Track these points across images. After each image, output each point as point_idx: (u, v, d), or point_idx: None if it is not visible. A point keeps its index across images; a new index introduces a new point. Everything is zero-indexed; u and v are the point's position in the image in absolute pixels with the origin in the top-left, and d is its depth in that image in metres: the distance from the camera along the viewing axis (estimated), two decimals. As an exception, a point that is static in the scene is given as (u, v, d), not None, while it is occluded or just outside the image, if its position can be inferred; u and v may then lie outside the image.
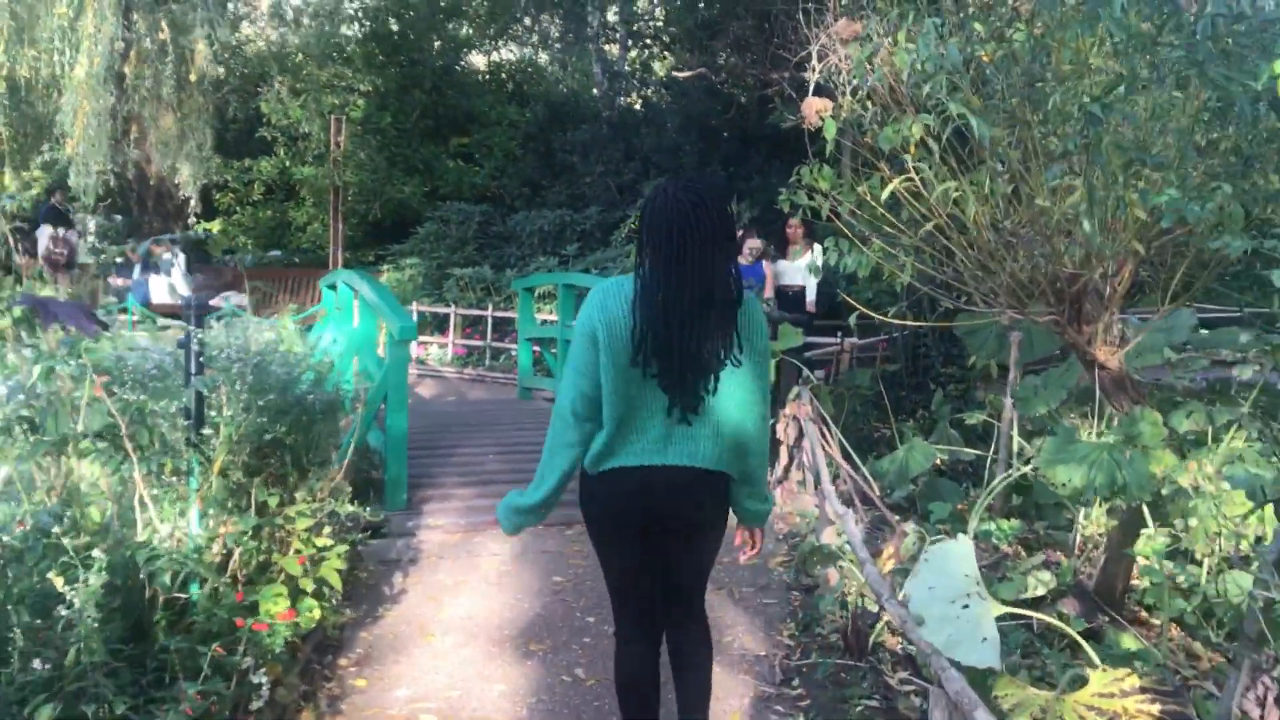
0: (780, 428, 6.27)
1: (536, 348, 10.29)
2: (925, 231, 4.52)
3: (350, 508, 4.03)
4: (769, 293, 9.03)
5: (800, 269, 8.79)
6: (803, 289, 8.86)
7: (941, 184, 4.07)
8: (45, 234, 14.14)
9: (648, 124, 16.33)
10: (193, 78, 12.10)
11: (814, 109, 6.56)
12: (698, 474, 2.67)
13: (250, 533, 3.43)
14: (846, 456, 6.34)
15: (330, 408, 4.35)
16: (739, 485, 2.77)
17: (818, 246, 8.60)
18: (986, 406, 8.51)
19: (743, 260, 8.83)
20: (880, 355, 9.96)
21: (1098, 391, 4.81)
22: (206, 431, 3.47)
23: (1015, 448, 6.19)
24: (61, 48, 10.47)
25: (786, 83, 10.03)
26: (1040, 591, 4.76)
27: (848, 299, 6.59)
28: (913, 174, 4.46)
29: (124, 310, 11.78)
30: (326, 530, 3.90)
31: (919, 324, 6.85)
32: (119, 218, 18.16)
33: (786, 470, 6.27)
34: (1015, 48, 3.91)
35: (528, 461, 6.92)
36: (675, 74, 11.97)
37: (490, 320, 12.12)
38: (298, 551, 3.64)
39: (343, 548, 3.87)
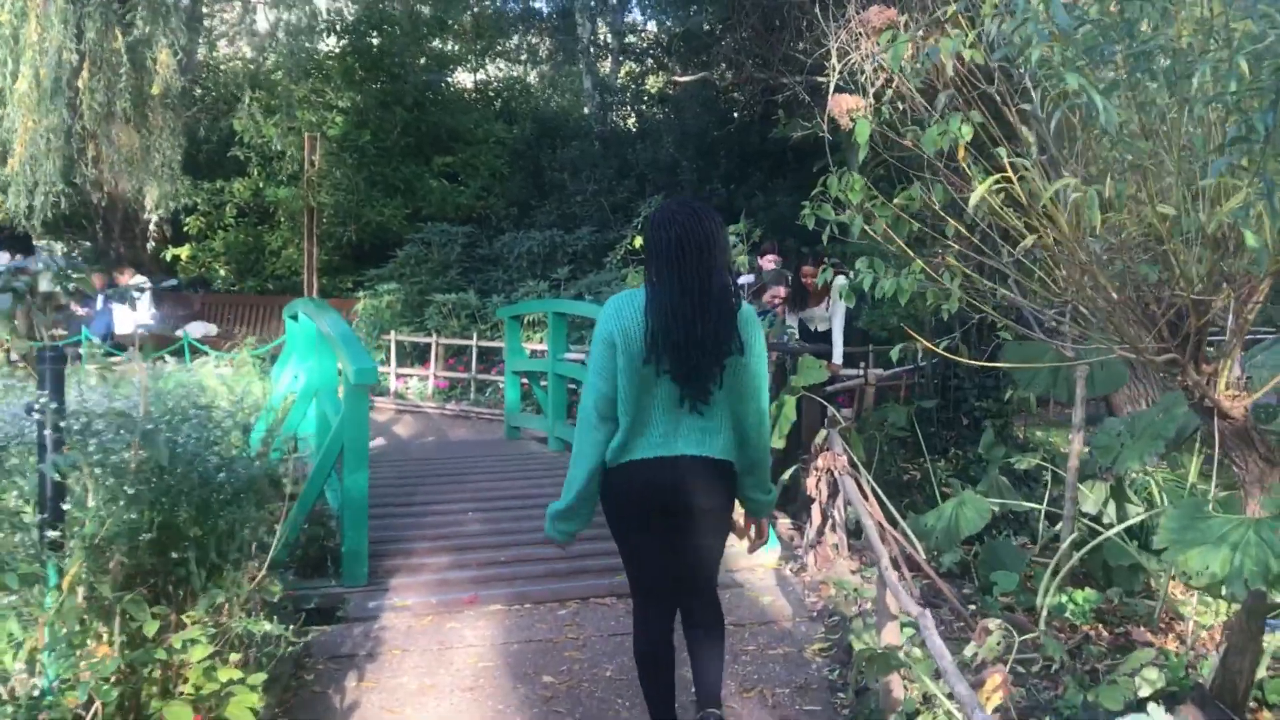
0: (811, 483, 5.33)
1: (525, 381, 9.35)
2: (1025, 247, 3.58)
3: (268, 627, 3.04)
4: (782, 310, 8.13)
5: (822, 315, 7.86)
6: (828, 331, 7.90)
7: (1055, 183, 3.13)
8: (1, 260, 13.19)
9: (643, 140, 15.45)
10: (154, 91, 11.12)
11: (844, 108, 5.65)
12: (706, 462, 2.98)
13: (116, 674, 2.47)
14: (884, 510, 5.40)
15: (253, 484, 3.37)
16: (743, 476, 3.12)
17: (840, 279, 7.70)
18: (1038, 450, 7.59)
19: (768, 299, 7.94)
20: (905, 386, 9.04)
21: (1218, 446, 3.89)
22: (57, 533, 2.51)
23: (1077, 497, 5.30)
24: (3, 58, 9.54)
25: (800, 87, 9.13)
26: (1146, 692, 3.83)
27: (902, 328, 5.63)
28: (1009, 172, 3.53)
29: (76, 343, 10.81)
30: (236, 657, 2.93)
31: (980, 362, 5.90)
32: (86, 243, 17.23)
33: (820, 532, 5.32)
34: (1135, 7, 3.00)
35: (514, 521, 5.97)
36: (676, 79, 11.13)
37: (475, 350, 11.18)
38: (194, 691, 2.68)
39: (260, 677, 2.90)
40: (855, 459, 5.49)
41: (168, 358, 10.48)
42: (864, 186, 5.91)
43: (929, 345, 5.03)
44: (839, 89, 7.44)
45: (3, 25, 9.44)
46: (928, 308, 5.68)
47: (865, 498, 4.87)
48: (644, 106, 17.72)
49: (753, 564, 5.57)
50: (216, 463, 3.16)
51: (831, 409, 6.67)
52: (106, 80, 10.50)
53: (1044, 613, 4.82)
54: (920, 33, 5.46)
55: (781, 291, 8.06)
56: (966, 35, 5.04)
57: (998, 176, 3.39)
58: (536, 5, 23.33)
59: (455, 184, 16.21)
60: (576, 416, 3.11)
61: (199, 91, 11.67)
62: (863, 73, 7.33)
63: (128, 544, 2.73)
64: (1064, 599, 4.98)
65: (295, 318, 7.86)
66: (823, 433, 5.96)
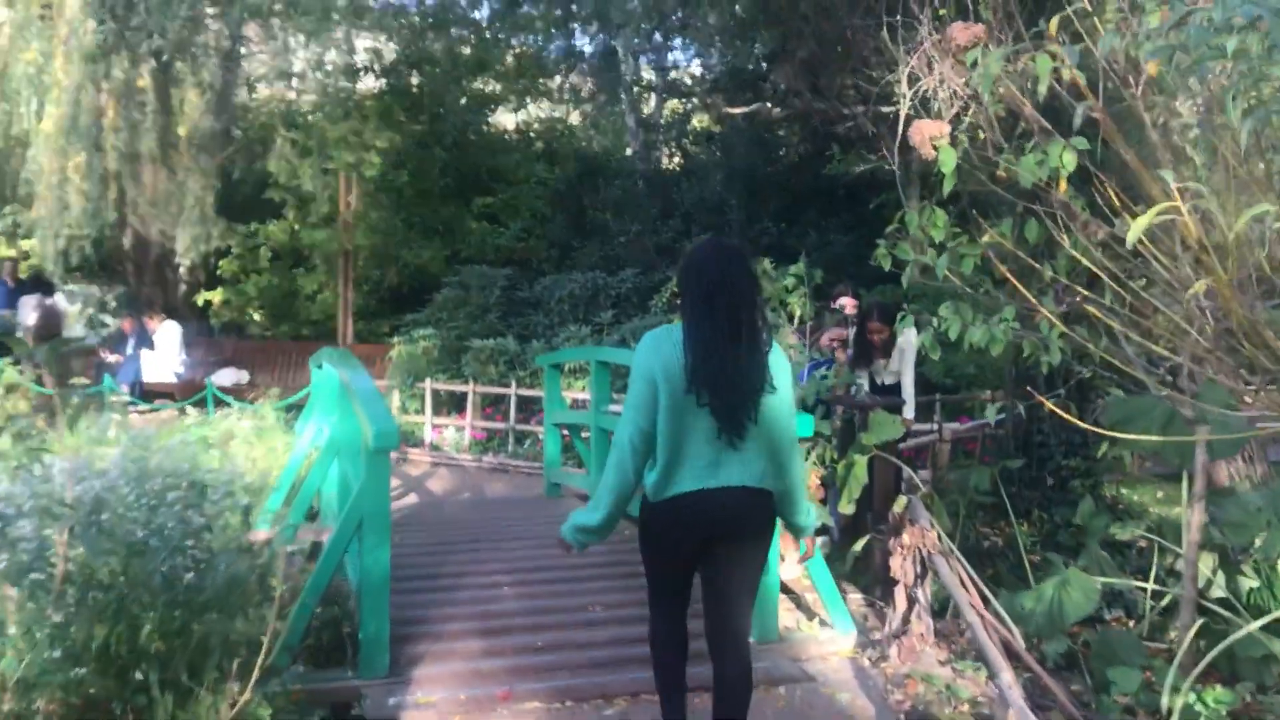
0: (896, 563, 4.64)
1: (565, 433, 8.75)
2: (1196, 292, 2.92)
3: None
4: (840, 356, 7.47)
5: (892, 371, 7.18)
6: (896, 383, 7.21)
7: (1253, 209, 2.46)
8: (30, 303, 12.86)
9: (688, 178, 14.90)
10: (182, 131, 10.74)
11: (925, 134, 5.02)
12: (747, 492, 3.09)
13: None
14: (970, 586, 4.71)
15: (236, 585, 2.75)
16: (783, 503, 3.24)
17: (911, 331, 7.04)
18: (1135, 515, 6.84)
19: (826, 343, 7.27)
20: (982, 438, 8.32)
21: None
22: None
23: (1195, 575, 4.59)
24: (29, 97, 9.19)
25: (864, 117, 8.50)
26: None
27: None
28: (1178, 199, 2.88)
29: (98, 393, 10.36)
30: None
31: (1092, 426, 5.21)
32: (120, 288, 16.95)
33: (906, 620, 4.62)
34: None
35: (553, 597, 5.31)
36: (727, 111, 10.60)
37: (513, 399, 10.58)
38: None
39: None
40: (940, 529, 4.81)
41: (189, 409, 10.02)
42: (946, 222, 5.27)
43: (1046, 402, 4.38)
44: (909, 118, 6.79)
45: (28, 64, 9.11)
46: (1025, 359, 5.02)
47: (963, 584, 4.19)
48: (689, 144, 17.20)
49: (825, 652, 4.88)
50: (185, 562, 2.55)
51: (908, 470, 5.99)
52: (133, 120, 10.12)
53: (1174, 717, 4.09)
54: (1009, 52, 4.85)
55: (841, 333, 7.41)
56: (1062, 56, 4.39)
57: (1164, 206, 2.74)
58: (579, 44, 23.02)
59: (495, 226, 15.76)
60: (611, 447, 3.20)
61: (236, 133, 11.26)
62: (937, 99, 6.68)
63: (62, 679, 2.12)
64: (1191, 697, 4.25)
65: (321, 367, 7.35)
66: (902, 500, 5.28)
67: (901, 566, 4.58)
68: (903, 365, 7.08)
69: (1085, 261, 3.75)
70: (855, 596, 6.00)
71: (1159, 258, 3.96)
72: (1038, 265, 4.30)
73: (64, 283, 17.66)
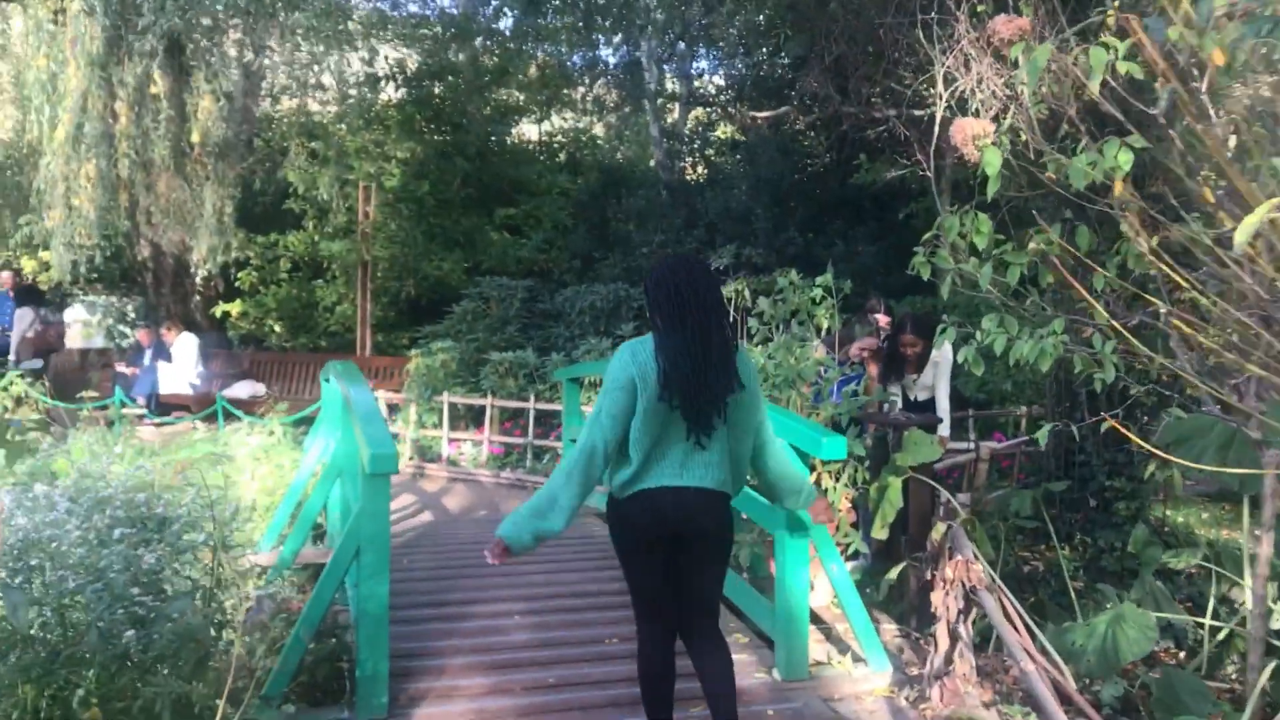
0: (937, 598, 4.28)
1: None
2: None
3: None
4: (873, 370, 7.09)
5: (924, 383, 6.83)
6: (930, 399, 6.85)
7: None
8: (28, 317, 12.71)
9: (712, 188, 14.58)
10: (194, 138, 10.51)
11: (968, 134, 4.69)
12: (706, 493, 3.30)
13: None
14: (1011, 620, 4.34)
15: (189, 636, 2.43)
16: (778, 491, 3.69)
17: (948, 346, 6.67)
18: (1189, 540, 6.43)
19: (856, 353, 6.90)
20: (1021, 454, 7.93)
21: None
22: None
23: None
24: (41, 105, 8.99)
25: (897, 120, 8.15)
26: None
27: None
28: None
29: (102, 407, 10.14)
30: None
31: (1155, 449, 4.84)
32: (138, 298, 16.82)
33: (949, 659, 4.26)
34: None
35: (566, 628, 4.99)
36: (754, 115, 10.27)
37: (532, 413, 10.28)
38: None
39: None
40: (985, 564, 4.44)
41: (199, 424, 9.81)
42: (989, 228, 4.94)
43: (1113, 421, 4.03)
44: (944, 121, 6.45)
45: (40, 70, 8.92)
46: (1076, 376, 4.67)
47: (1011, 622, 3.83)
48: (713, 154, 16.89)
49: (859, 691, 4.52)
50: (133, 611, 2.24)
51: (945, 493, 5.63)
52: (145, 128, 9.90)
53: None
54: (1057, 43, 4.54)
55: (872, 343, 7.04)
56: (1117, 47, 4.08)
57: (1275, 203, 2.40)
58: (603, 54, 22.80)
59: (517, 237, 15.49)
60: (574, 452, 3.32)
61: (258, 143, 11.03)
62: (974, 100, 6.32)
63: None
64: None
65: (329, 380, 7.07)
66: (940, 527, 4.93)
67: (943, 602, 4.23)
68: (937, 380, 6.72)
69: (1162, 266, 3.40)
70: (889, 627, 5.66)
71: (1226, 261, 3.62)
72: (1097, 269, 3.95)
73: (85, 293, 17.58)
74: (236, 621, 2.68)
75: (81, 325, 17.63)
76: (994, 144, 4.68)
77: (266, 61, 15.63)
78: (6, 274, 12.77)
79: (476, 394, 10.86)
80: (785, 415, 4.83)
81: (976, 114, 5.85)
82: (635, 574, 3.42)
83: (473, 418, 10.97)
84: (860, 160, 12.27)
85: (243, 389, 12.81)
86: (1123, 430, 4.04)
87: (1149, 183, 4.80)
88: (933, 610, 4.34)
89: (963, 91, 6.64)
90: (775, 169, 13.76)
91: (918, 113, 7.83)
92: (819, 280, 6.41)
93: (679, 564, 3.38)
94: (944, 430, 6.71)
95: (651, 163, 18.60)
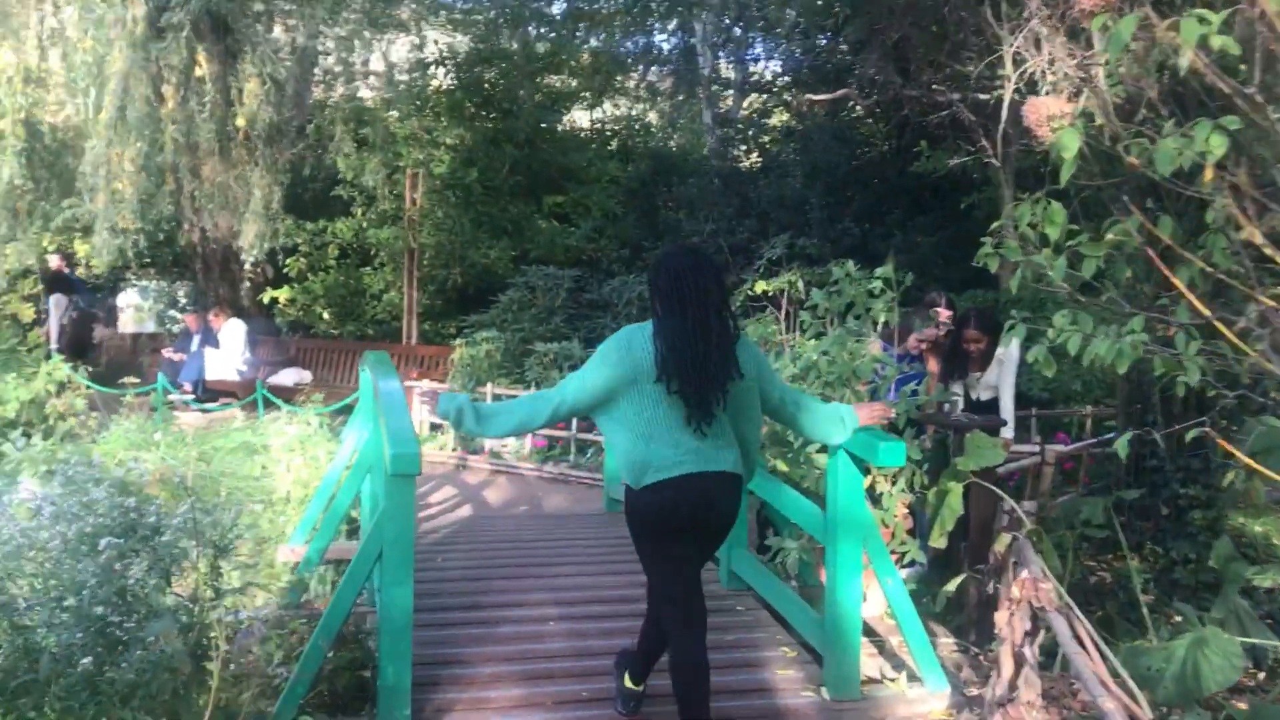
0: (1002, 619, 3.95)
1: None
2: None
3: None
4: (931, 367, 6.73)
5: (987, 382, 6.46)
6: (993, 399, 6.49)
7: None
8: (61, 304, 12.75)
9: (766, 176, 14.22)
10: (240, 122, 10.37)
11: (1043, 114, 4.34)
12: (724, 476, 3.35)
13: None
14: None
15: (166, 662, 2.19)
16: (821, 427, 3.82)
17: (1014, 343, 6.31)
18: (1273, 554, 6.03)
19: (914, 344, 6.56)
20: (1083, 460, 7.53)
21: None
22: None
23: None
24: (86, 88, 8.89)
25: (961, 104, 7.76)
26: None
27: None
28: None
29: (145, 393, 10.06)
30: None
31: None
32: (188, 284, 16.87)
33: (1013, 685, 3.92)
34: None
35: (604, 637, 4.72)
36: (811, 98, 9.90)
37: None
38: None
39: None
40: (1056, 583, 4.10)
41: (238, 412, 9.70)
42: (1063, 217, 4.60)
43: (1210, 432, 3.68)
44: (1013, 104, 6.05)
45: (85, 52, 8.82)
46: (1157, 378, 4.32)
47: (1083, 646, 3.50)
48: (768, 141, 16.51)
49: (915, 713, 4.21)
50: (94, 638, 2.00)
51: (1009, 501, 5.27)
52: (190, 111, 9.78)
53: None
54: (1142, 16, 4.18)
55: (932, 334, 6.68)
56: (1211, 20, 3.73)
57: None
58: (657, 40, 22.50)
59: (565, 225, 15.25)
60: (538, 395, 3.54)
61: (279, 118, 10.87)
62: (1045, 82, 5.96)
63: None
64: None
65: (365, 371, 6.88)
66: (1004, 538, 4.58)
67: (1008, 623, 3.89)
68: (1002, 379, 6.36)
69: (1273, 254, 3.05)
70: (946, 641, 5.34)
71: None
72: (1193, 258, 3.60)
73: (137, 278, 17.69)
74: (220, 647, 2.43)
75: (134, 310, 17.75)
76: (1073, 124, 4.33)
77: (315, 45, 15.56)
78: (55, 259, 12.81)
79: (521, 385, 10.63)
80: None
81: (1053, 87, 5.47)
82: (653, 562, 3.48)
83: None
84: (921, 147, 11.85)
85: (288, 376, 12.73)
86: (1217, 438, 3.68)
87: (1231, 170, 4.41)
88: (996, 631, 4.01)
89: (1032, 73, 6.23)
90: (832, 156, 13.37)
91: (983, 97, 7.44)
92: (878, 272, 6.06)
93: (690, 545, 3.45)
94: (1008, 433, 6.34)
95: (705, 151, 18.28)
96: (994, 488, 5.26)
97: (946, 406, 6.18)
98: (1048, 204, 4.51)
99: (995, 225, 4.83)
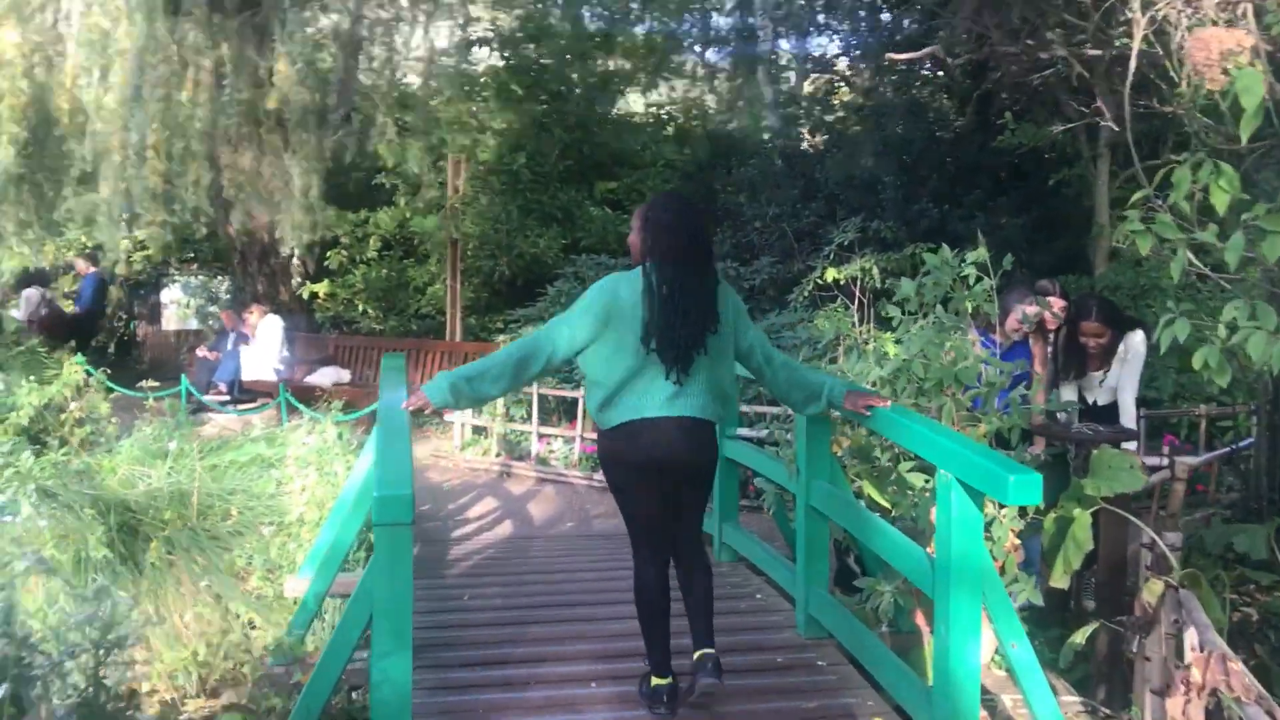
0: (1174, 706, 3.02)
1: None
2: None
3: None
4: (1039, 367, 5.71)
5: (1109, 387, 5.49)
6: (1112, 403, 5.51)
7: None
8: (33, 299, 12.18)
9: (833, 155, 13.22)
10: (271, 104, 9.64)
11: (1213, 50, 3.38)
12: (696, 422, 3.43)
13: None
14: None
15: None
16: (800, 394, 3.80)
17: (1138, 337, 5.33)
18: None
19: (1006, 335, 5.58)
20: (1218, 463, 6.48)
21: None
22: None
23: None
24: (90, 65, 8.23)
25: (1070, 59, 6.73)
26: None
27: None
28: None
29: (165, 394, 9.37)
30: None
31: None
32: (225, 278, 16.34)
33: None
34: None
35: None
36: (893, 57, 8.94)
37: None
38: None
39: None
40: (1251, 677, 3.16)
41: (255, 420, 9.02)
42: (1235, 181, 3.67)
43: None
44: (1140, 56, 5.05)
45: (91, 30, 8.15)
46: None
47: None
48: (833, 120, 15.48)
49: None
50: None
51: (1148, 532, 4.32)
52: (212, 93, 9.07)
53: None
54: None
55: (1033, 309, 5.66)
56: None
57: None
58: (715, 19, 21.55)
59: (618, 212, 14.38)
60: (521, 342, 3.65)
61: (315, 102, 10.14)
62: (1177, 30, 4.92)
63: None
64: None
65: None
66: (1155, 586, 3.66)
67: (1183, 711, 2.97)
68: (1124, 380, 5.38)
69: None
70: (1070, 701, 4.44)
71: None
72: None
73: (179, 273, 17.20)
74: None
75: (177, 307, 17.27)
76: (1254, 64, 3.40)
77: (359, 29, 14.88)
78: (81, 261, 12.28)
79: (568, 385, 9.79)
80: (940, 434, 3.60)
81: (1179, 49, 4.46)
82: (629, 505, 3.58)
83: (565, 411, 9.93)
84: (1005, 120, 10.80)
85: (326, 376, 12.05)
86: None
87: None
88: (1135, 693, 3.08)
89: (1164, 16, 5.18)
90: (906, 132, 12.33)
91: (1093, 52, 6.41)
92: (971, 256, 5.10)
93: (669, 492, 3.51)
94: (1133, 446, 5.37)
95: (765, 136, 17.32)
96: (1132, 518, 4.32)
97: (1063, 415, 5.22)
98: (1217, 167, 3.56)
99: (1139, 195, 3.87)
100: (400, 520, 2.77)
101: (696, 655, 3.55)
